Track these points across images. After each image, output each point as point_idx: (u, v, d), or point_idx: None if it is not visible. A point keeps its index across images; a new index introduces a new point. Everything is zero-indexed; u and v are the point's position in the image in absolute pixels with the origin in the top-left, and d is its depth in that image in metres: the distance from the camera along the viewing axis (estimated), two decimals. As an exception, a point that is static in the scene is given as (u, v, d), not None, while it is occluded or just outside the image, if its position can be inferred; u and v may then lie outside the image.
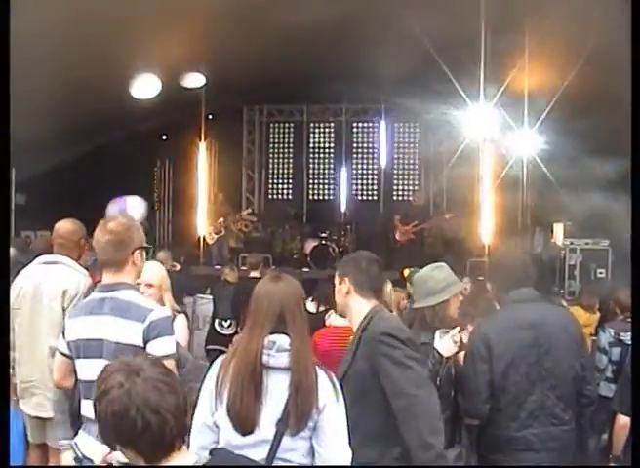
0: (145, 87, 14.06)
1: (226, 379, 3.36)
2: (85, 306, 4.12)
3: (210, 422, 3.39)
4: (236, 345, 3.51)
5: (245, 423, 3.27)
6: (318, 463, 3.30)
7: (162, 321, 3.93)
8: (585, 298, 9.22)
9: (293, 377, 3.30)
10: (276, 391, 3.30)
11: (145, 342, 3.84)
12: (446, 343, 4.62)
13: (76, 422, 4.17)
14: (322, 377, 3.36)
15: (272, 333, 3.38)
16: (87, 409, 3.89)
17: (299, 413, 3.25)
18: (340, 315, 5.41)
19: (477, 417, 4.74)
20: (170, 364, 3.76)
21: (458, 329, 4.67)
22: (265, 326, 3.40)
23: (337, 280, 4.40)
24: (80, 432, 3.99)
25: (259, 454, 3.25)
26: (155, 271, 5.47)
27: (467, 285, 7.45)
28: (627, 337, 7.09)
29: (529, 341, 4.58)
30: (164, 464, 2.42)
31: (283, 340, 3.36)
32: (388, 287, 7.95)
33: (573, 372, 4.63)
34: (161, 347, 3.85)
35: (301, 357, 3.34)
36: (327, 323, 7.57)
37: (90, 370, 3.85)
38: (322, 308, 8.21)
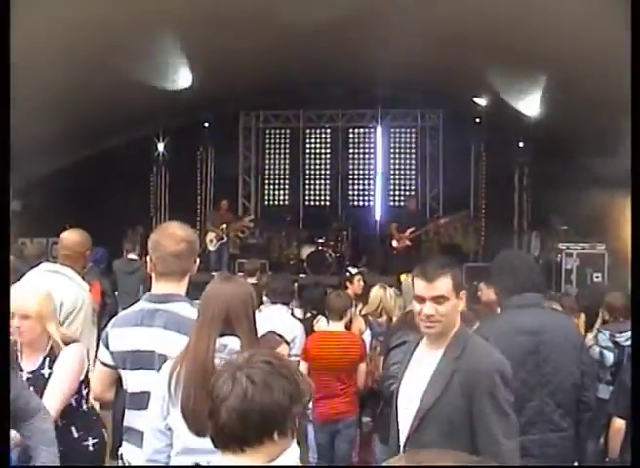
0: (138, 89, 14.02)
1: (179, 381, 3.37)
2: (133, 316, 3.96)
3: (162, 426, 3.42)
4: (185, 347, 3.48)
5: (199, 424, 3.23)
6: None
7: None
8: (565, 300, 9.20)
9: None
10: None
11: None
12: None
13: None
14: None
15: (223, 336, 3.41)
16: (132, 420, 3.85)
17: None
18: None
19: None
20: None
21: None
22: (212, 327, 3.42)
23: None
24: (124, 443, 3.91)
25: (217, 457, 3.26)
26: (32, 298, 4.44)
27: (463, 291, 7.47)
28: (622, 339, 7.10)
29: (528, 347, 4.55)
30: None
31: (234, 343, 3.38)
32: (389, 291, 8.04)
33: (572, 379, 4.60)
34: None
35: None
36: (315, 328, 7.62)
37: (138, 381, 3.83)
38: (309, 314, 8.26)
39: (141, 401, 3.75)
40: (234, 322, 3.42)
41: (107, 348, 3.95)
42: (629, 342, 6.94)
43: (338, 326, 6.83)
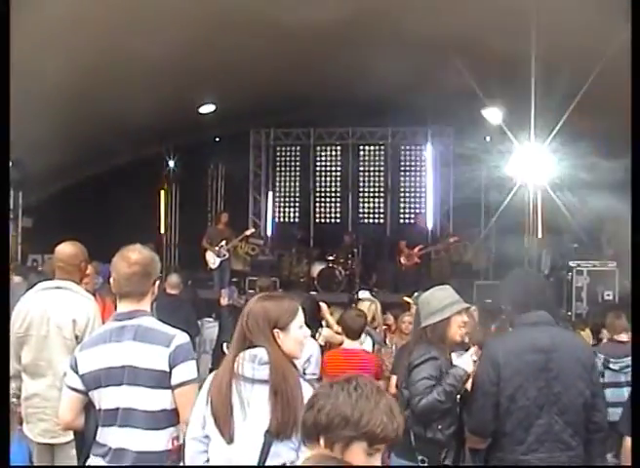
0: (150, 106, 14.07)
1: (212, 391, 3.55)
2: (100, 336, 4.07)
3: (200, 434, 3.57)
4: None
5: (226, 432, 3.43)
6: None
7: (186, 345, 3.97)
8: (575, 318, 9.23)
9: (271, 387, 3.42)
10: (263, 402, 3.42)
11: (171, 367, 3.86)
12: (468, 361, 4.77)
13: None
14: (306, 389, 3.43)
15: (254, 347, 3.52)
16: (105, 436, 3.91)
17: (279, 422, 3.35)
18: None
19: (482, 436, 4.73)
20: (194, 388, 3.86)
21: (476, 347, 4.76)
22: (237, 341, 3.59)
23: None
24: (92, 457, 3.96)
25: (251, 464, 3.37)
26: None
27: (474, 307, 7.53)
28: (617, 366, 7.10)
29: (539, 366, 4.53)
30: None
31: (263, 353, 3.49)
32: (378, 306, 8.55)
33: (582, 399, 4.57)
34: (186, 372, 3.91)
35: (279, 368, 3.45)
36: (320, 341, 7.64)
37: (111, 397, 3.89)
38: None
39: (113, 417, 3.88)
40: (249, 335, 3.54)
41: (77, 373, 3.98)
42: (625, 370, 6.95)
43: (354, 344, 6.90)
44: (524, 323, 4.73)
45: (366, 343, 7.63)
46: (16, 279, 8.90)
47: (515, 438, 4.53)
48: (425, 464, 4.87)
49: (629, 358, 6.99)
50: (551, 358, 4.56)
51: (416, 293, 11.32)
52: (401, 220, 20.36)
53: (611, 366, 7.16)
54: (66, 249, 5.65)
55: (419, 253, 16.49)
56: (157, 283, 4.17)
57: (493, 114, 15.87)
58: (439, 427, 4.83)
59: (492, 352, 4.68)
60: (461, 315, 5.03)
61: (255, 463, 3.36)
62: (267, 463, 3.35)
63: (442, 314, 4.96)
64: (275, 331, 3.52)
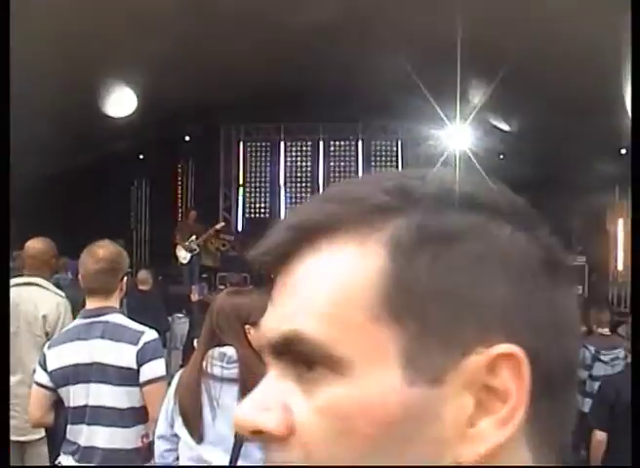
0: (121, 104, 13.99)
1: (180, 389, 3.52)
2: (69, 333, 4.07)
3: (168, 433, 3.56)
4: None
5: (195, 431, 3.40)
6: None
7: (154, 343, 3.96)
8: None
9: (241, 387, 3.37)
10: (233, 402, 3.38)
11: (139, 364, 3.84)
12: None
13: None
14: None
15: (223, 345, 3.48)
16: (75, 434, 3.90)
17: None
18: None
19: None
20: (163, 385, 3.86)
21: None
22: (205, 338, 3.55)
23: None
24: (62, 455, 3.96)
25: (221, 464, 3.37)
26: None
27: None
28: (607, 358, 7.16)
29: None
30: None
31: (232, 352, 3.45)
32: None
33: None
34: (155, 369, 3.89)
35: (248, 366, 3.38)
36: None
37: (80, 395, 3.87)
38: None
39: (82, 415, 3.87)
40: (218, 333, 3.50)
41: (45, 370, 3.97)
42: (614, 362, 7.02)
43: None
44: None
45: None
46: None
47: None
48: None
49: (619, 350, 7.10)
50: None
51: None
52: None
53: (601, 357, 7.23)
54: (36, 244, 5.64)
55: None
56: (125, 279, 4.15)
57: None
58: None
59: None
60: None
61: (225, 464, 3.34)
62: (239, 462, 3.33)
63: None
64: (246, 326, 3.49)
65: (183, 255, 16.29)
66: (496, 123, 14.48)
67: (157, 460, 3.64)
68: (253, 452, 3.31)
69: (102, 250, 4.07)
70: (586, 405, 6.99)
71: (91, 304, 4.05)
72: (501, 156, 18.03)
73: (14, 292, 5.39)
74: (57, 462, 3.98)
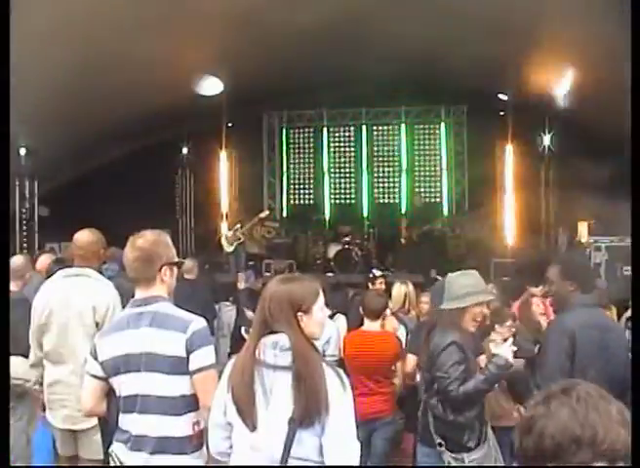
0: (163, 91, 14.02)
1: (233, 378, 3.49)
2: (118, 322, 4.09)
3: (222, 421, 3.53)
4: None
5: (249, 419, 3.38)
6: (326, 460, 3.34)
7: (203, 330, 3.94)
8: (597, 294, 9.08)
9: (294, 374, 3.34)
10: (286, 389, 3.35)
11: (189, 353, 3.84)
12: (507, 350, 4.79)
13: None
14: (329, 374, 3.37)
15: (274, 333, 3.44)
16: (127, 422, 3.92)
17: (303, 409, 3.28)
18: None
19: None
20: (213, 373, 3.86)
21: (511, 339, 4.87)
22: (257, 326, 3.50)
23: None
24: (115, 442, 3.98)
25: (274, 453, 3.31)
26: None
27: (493, 291, 7.46)
28: None
29: (600, 343, 4.68)
30: None
31: (284, 339, 3.40)
32: (411, 287, 8.16)
33: (623, 378, 4.61)
34: (204, 357, 3.88)
35: (301, 354, 3.37)
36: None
37: (131, 384, 3.89)
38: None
39: (133, 404, 3.88)
40: (270, 320, 3.45)
41: (96, 360, 3.99)
42: None
43: (374, 325, 6.79)
44: (584, 303, 4.87)
45: (400, 331, 7.44)
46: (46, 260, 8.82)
47: None
48: (442, 448, 4.89)
49: None
50: (610, 337, 4.74)
51: (433, 274, 11.33)
52: (415, 199, 20.28)
53: None
54: (85, 236, 5.66)
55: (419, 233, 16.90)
56: (165, 268, 4.07)
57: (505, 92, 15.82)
58: (468, 411, 4.87)
59: (567, 325, 4.76)
60: (481, 306, 4.99)
61: (280, 451, 3.31)
62: (292, 449, 3.30)
63: (458, 302, 4.94)
64: (299, 314, 3.47)
65: (229, 244, 16.37)
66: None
67: (212, 450, 3.63)
68: (306, 439, 3.32)
69: (141, 239, 4.07)
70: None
71: (139, 294, 4.07)
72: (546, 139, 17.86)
73: (64, 284, 5.45)
74: (109, 451, 4.02)
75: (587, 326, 4.73)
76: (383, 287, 9.40)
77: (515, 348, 4.81)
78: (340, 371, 3.48)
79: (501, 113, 17.34)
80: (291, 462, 3.31)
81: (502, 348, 4.81)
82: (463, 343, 4.87)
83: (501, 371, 4.77)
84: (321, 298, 3.57)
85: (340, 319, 7.91)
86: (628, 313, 7.72)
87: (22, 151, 13.86)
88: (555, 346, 4.73)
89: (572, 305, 4.91)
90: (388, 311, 7.73)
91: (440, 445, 4.90)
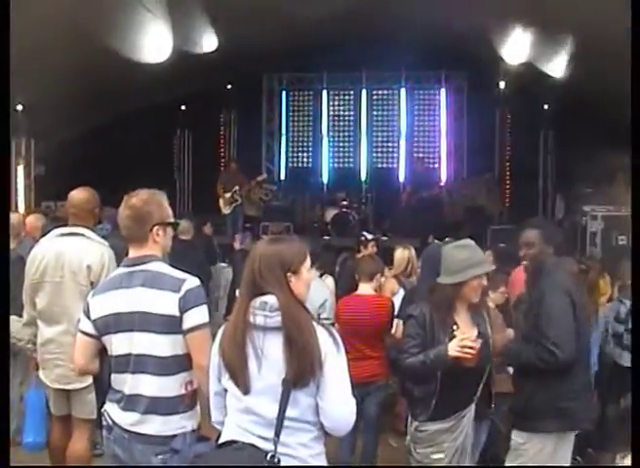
0: (160, 51, 13.86)
1: (224, 342, 3.46)
2: (111, 281, 4.06)
3: (218, 388, 3.53)
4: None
5: (241, 382, 3.36)
6: (322, 419, 3.36)
7: (197, 289, 3.90)
8: (590, 262, 9.05)
9: (285, 335, 3.32)
10: (277, 351, 3.34)
11: (182, 312, 3.82)
12: (454, 347, 4.54)
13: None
14: (320, 332, 3.36)
15: (264, 294, 3.40)
16: (119, 382, 3.93)
17: (296, 370, 3.28)
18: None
19: (568, 356, 4.70)
20: (206, 332, 3.85)
21: (467, 335, 4.61)
22: (246, 287, 3.46)
23: None
24: (108, 402, 3.99)
25: (269, 414, 3.32)
26: None
27: (490, 259, 7.42)
28: None
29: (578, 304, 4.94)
30: None
31: (273, 300, 3.37)
32: (412, 252, 8.19)
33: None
34: (198, 316, 3.85)
35: (291, 314, 3.34)
36: None
37: (121, 344, 3.89)
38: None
39: (126, 363, 3.87)
40: (260, 281, 3.41)
41: (89, 318, 3.98)
42: None
43: (367, 289, 6.77)
44: (562, 265, 5.20)
45: (400, 294, 7.47)
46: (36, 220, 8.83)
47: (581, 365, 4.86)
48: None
49: None
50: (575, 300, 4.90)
51: (430, 239, 11.30)
52: (414, 164, 20.23)
53: None
54: (79, 194, 5.62)
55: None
56: (157, 228, 4.02)
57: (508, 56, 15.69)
58: (415, 384, 4.85)
59: (565, 285, 4.92)
60: (481, 278, 4.80)
61: (274, 412, 3.30)
62: (287, 410, 3.30)
63: (453, 278, 4.76)
64: (288, 274, 3.43)
65: (226, 206, 16.39)
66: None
67: (214, 416, 3.62)
68: (301, 400, 3.33)
69: (134, 198, 4.02)
70: (624, 358, 6.95)
71: (132, 253, 4.04)
72: (546, 107, 17.79)
73: (58, 243, 5.42)
74: (102, 410, 4.02)
75: (575, 286, 5.06)
76: (375, 249, 9.41)
77: (469, 349, 4.51)
78: (333, 330, 3.49)
79: (502, 82, 17.27)
80: (286, 424, 3.31)
81: (452, 343, 4.55)
82: (427, 318, 4.76)
83: (437, 363, 4.61)
84: (308, 259, 3.54)
85: (329, 280, 7.93)
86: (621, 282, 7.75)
87: (19, 107, 13.73)
88: (563, 305, 4.79)
89: (553, 267, 5.00)
90: (388, 273, 7.75)
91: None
